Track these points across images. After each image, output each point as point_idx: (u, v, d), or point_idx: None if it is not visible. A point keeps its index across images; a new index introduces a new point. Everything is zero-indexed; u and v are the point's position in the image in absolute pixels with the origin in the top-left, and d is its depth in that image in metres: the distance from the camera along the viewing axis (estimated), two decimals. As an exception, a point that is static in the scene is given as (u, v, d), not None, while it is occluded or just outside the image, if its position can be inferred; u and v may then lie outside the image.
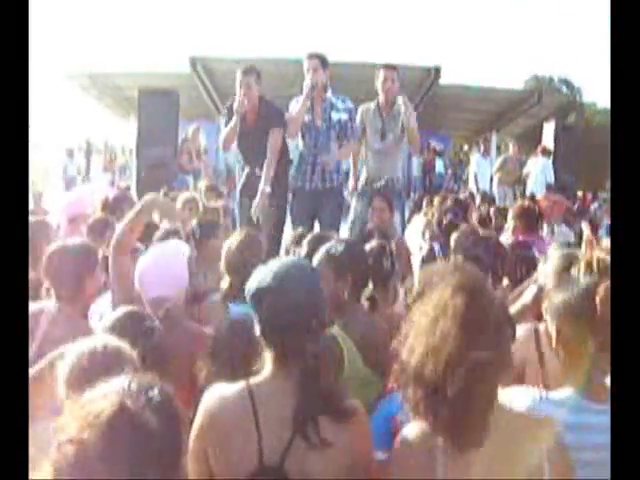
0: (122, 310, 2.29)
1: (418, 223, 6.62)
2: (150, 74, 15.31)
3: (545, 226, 6.38)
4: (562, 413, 1.98)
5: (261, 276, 1.97)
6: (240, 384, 1.91)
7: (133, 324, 2.19)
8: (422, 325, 1.76)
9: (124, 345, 1.87)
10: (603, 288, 2.02)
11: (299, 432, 1.80)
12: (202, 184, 7.88)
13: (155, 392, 1.31)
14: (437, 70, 16.46)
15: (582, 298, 2.04)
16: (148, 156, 9.39)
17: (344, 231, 6.44)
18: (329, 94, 6.13)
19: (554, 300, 2.13)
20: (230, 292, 3.33)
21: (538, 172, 11.44)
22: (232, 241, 3.55)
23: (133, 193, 9.07)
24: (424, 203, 8.35)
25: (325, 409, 1.84)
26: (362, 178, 6.77)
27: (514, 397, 1.97)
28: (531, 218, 5.24)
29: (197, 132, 10.80)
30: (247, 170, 6.19)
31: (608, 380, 2.19)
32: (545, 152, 11.60)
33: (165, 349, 2.12)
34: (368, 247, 3.59)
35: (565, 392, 2.07)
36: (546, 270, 2.96)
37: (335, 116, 6.07)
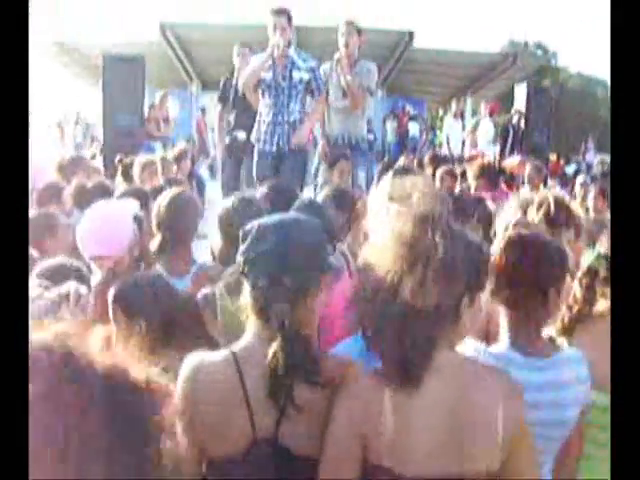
0: (54, 260, 2.23)
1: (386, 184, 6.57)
2: (119, 42, 15.08)
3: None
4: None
5: (249, 226, 1.85)
6: (224, 351, 1.80)
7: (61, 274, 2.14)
8: (374, 251, 1.70)
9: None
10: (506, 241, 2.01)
11: (272, 400, 1.70)
12: (175, 149, 7.80)
13: None
14: (410, 34, 16.40)
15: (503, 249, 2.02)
16: (114, 123, 9.25)
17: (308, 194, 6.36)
18: (292, 51, 5.96)
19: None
20: (161, 247, 3.22)
21: (482, 132, 11.59)
22: (162, 199, 3.38)
23: (99, 161, 8.98)
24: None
25: (301, 374, 1.71)
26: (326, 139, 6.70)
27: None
28: (490, 175, 5.25)
29: (164, 99, 10.67)
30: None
31: (548, 334, 2.19)
32: (492, 112, 11.74)
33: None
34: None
35: (502, 345, 2.04)
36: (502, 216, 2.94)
37: (297, 75, 5.92)
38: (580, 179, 9.00)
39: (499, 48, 32.02)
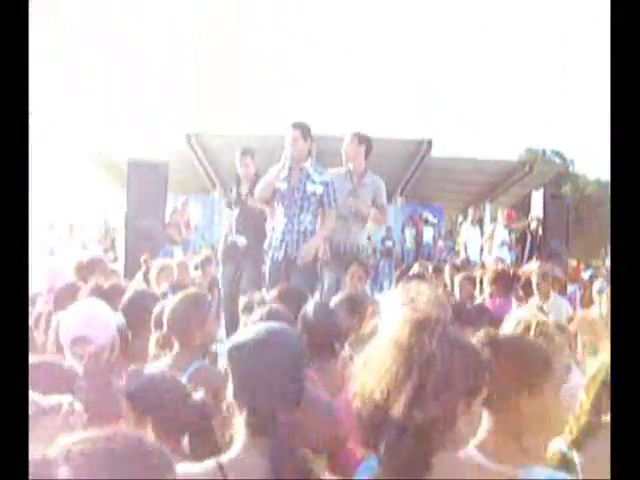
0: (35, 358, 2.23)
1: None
2: (145, 149, 15.57)
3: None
4: None
5: (241, 334, 1.90)
6: (209, 462, 1.76)
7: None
8: (373, 355, 1.70)
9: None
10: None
11: None
12: (202, 255, 8.02)
13: None
14: (429, 142, 16.79)
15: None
16: (136, 227, 9.40)
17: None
18: (308, 164, 6.09)
19: None
20: (163, 342, 3.26)
21: (499, 239, 11.77)
22: (172, 301, 3.41)
23: (121, 265, 9.10)
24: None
25: None
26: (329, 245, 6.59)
27: None
28: (505, 281, 5.24)
29: (186, 204, 10.90)
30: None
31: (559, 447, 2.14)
32: (509, 220, 11.99)
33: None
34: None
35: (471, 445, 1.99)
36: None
37: (310, 188, 6.03)
38: (597, 285, 8.92)
39: (517, 155, 32.60)
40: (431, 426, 1.59)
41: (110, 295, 3.99)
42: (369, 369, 1.69)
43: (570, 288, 11.20)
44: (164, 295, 4.25)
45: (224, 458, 1.78)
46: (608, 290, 7.48)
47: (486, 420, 1.96)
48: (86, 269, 5.05)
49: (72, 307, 2.92)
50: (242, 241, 7.12)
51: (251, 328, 1.97)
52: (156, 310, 3.53)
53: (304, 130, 6.05)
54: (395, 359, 1.63)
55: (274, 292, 4.03)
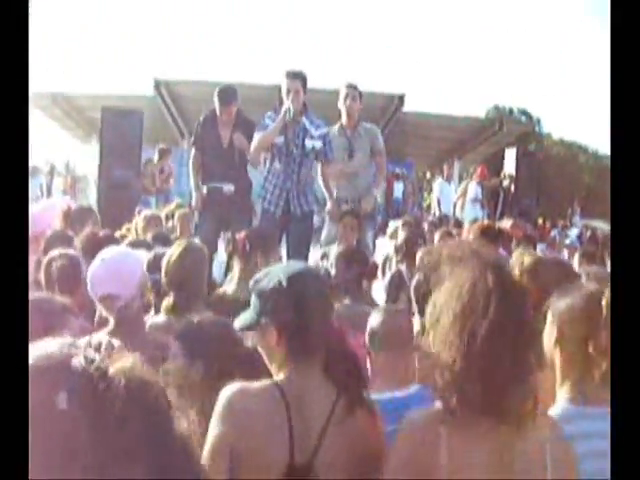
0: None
1: (382, 247, 6.65)
2: (113, 96, 15.19)
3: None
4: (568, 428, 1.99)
5: (279, 272, 1.94)
6: (266, 382, 1.87)
7: None
8: (448, 304, 1.71)
9: None
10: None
11: (335, 426, 1.82)
12: (173, 203, 7.89)
13: None
14: (401, 97, 16.67)
15: (588, 302, 2.10)
16: (111, 176, 9.17)
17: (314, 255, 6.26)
18: (304, 118, 5.85)
19: (558, 303, 2.18)
20: (175, 306, 3.17)
21: (472, 196, 11.96)
22: (172, 253, 3.33)
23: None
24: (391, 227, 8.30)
25: (359, 400, 1.88)
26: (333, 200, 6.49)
27: None
28: (490, 237, 5.26)
29: (166, 154, 10.67)
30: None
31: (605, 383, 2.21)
32: (482, 176, 12.20)
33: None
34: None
35: (562, 405, 2.09)
36: None
37: (309, 143, 5.82)
38: (567, 242, 9.23)
39: (484, 112, 32.69)
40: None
41: (105, 245, 3.91)
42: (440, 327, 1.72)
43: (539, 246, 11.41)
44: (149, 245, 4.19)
45: (277, 378, 1.89)
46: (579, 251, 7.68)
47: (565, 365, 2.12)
48: (75, 218, 4.93)
49: (97, 261, 2.84)
50: (229, 188, 6.51)
51: (279, 268, 2.03)
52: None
53: (304, 79, 5.77)
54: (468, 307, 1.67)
55: (242, 234, 4.03)
